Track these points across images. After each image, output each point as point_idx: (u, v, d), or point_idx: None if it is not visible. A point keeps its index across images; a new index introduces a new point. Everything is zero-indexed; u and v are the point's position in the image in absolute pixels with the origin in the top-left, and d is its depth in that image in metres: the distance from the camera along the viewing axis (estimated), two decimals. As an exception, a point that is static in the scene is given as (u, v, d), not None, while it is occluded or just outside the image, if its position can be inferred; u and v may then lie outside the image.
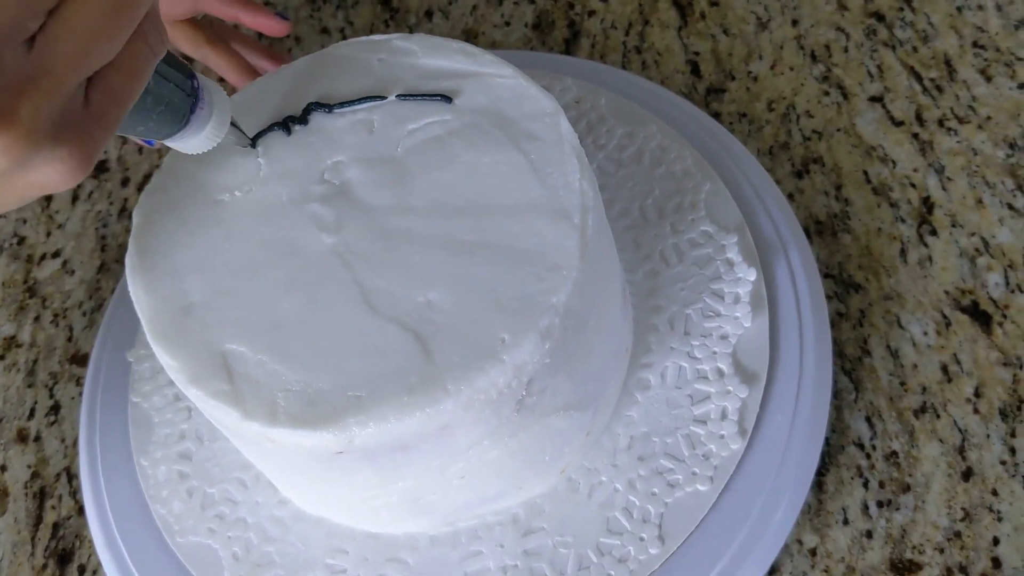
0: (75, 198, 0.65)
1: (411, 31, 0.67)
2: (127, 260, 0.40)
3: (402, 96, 0.42)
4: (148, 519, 0.48)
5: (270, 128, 0.42)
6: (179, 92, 0.36)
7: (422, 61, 0.43)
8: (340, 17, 0.69)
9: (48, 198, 0.65)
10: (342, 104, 0.42)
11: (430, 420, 0.35)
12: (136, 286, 0.40)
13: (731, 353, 0.46)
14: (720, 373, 0.46)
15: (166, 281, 0.39)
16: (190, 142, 0.38)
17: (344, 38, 0.68)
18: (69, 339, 0.59)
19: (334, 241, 0.39)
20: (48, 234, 0.64)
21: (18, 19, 0.27)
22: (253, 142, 0.42)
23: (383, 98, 0.42)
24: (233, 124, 0.40)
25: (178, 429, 0.50)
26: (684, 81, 0.60)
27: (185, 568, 0.46)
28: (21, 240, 0.64)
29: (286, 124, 0.42)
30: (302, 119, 0.42)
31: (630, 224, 0.51)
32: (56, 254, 0.62)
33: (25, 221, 0.65)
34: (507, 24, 0.66)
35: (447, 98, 0.41)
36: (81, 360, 0.57)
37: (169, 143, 0.38)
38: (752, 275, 0.48)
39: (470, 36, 0.65)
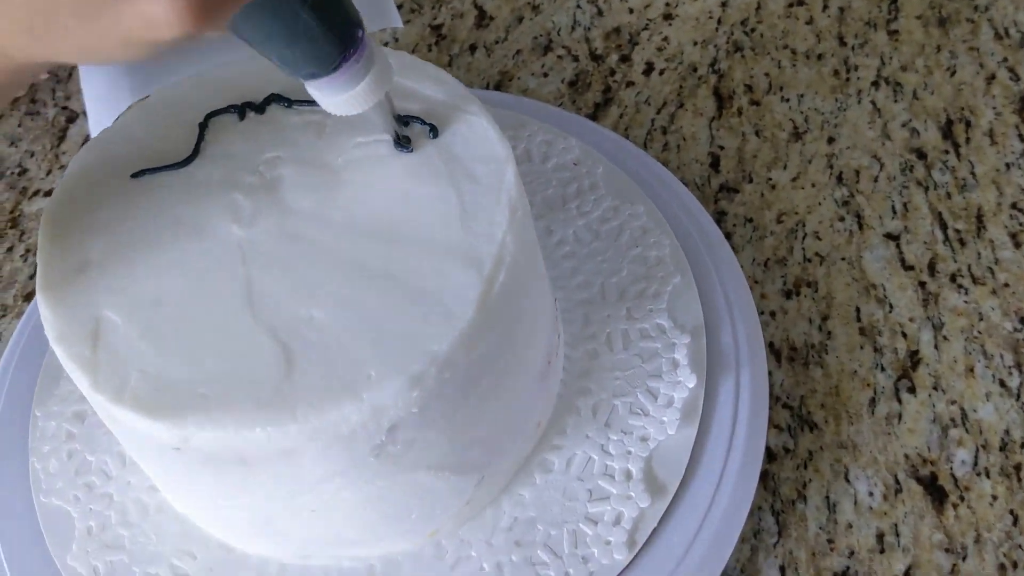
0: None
1: (451, 60, 0.66)
2: (46, 207, 0.39)
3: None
4: (25, 470, 0.47)
5: (227, 109, 0.41)
6: (336, 30, 0.32)
7: (396, 79, 0.41)
8: (388, 31, 0.68)
9: (61, 137, 0.66)
10: (301, 102, 0.41)
11: (271, 440, 0.33)
12: (43, 235, 0.38)
13: (646, 457, 0.43)
14: (628, 475, 0.42)
15: (74, 236, 0.38)
16: (334, 98, 0.35)
17: (386, 53, 0.67)
18: (31, 277, 0.58)
19: (242, 234, 0.37)
20: (48, 172, 0.64)
21: None
22: (242, 111, 0.41)
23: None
24: (388, 100, 0.37)
25: (81, 389, 0.48)
26: (700, 172, 0.57)
27: (39, 528, 0.44)
28: (23, 172, 0.64)
29: (243, 109, 0.41)
30: (260, 107, 0.41)
31: (586, 299, 0.48)
32: (49, 193, 0.63)
33: (32, 154, 0.65)
34: (544, 75, 0.64)
35: (434, 129, 0.39)
36: (31, 299, 0.57)
37: (312, 90, 0.35)
38: (692, 382, 0.44)
39: (504, 78, 0.64)
